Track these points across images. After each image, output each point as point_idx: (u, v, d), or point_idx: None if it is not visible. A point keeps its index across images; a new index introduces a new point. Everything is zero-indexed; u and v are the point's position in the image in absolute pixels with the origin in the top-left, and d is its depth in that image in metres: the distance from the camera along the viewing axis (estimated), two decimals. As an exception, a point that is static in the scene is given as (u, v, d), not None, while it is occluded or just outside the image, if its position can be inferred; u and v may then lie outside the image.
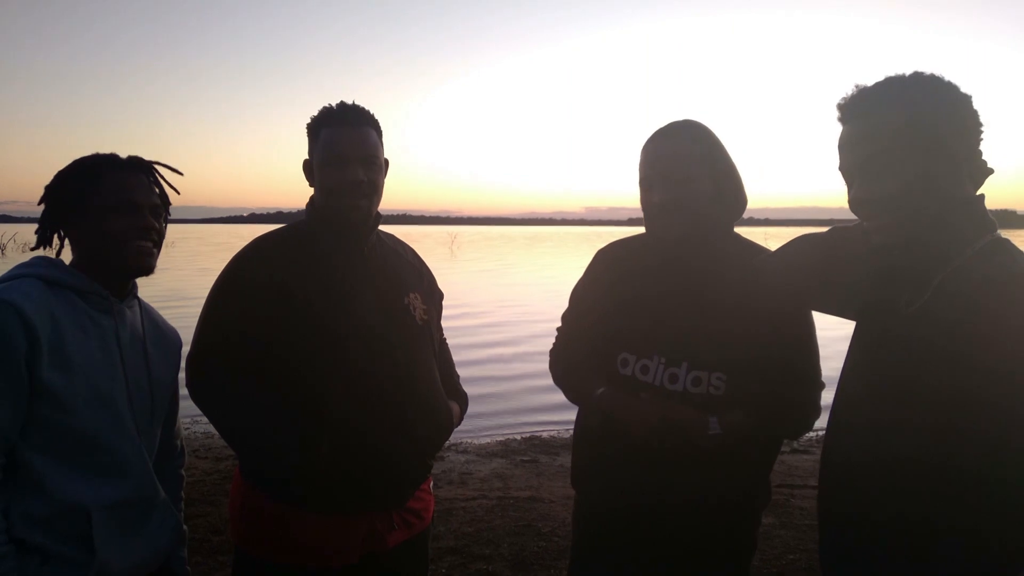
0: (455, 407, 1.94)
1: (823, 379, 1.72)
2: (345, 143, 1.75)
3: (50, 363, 1.42)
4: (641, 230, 1.81)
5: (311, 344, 1.69)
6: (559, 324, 1.94)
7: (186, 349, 1.78)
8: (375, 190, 1.79)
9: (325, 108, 1.79)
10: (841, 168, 1.36)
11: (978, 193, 1.32)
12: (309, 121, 1.81)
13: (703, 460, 1.62)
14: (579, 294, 1.90)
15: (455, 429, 1.94)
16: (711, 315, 1.66)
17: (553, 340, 1.95)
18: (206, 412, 1.76)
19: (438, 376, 1.92)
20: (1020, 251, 1.28)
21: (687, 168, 1.65)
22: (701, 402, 1.64)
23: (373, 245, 1.86)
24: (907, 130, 1.27)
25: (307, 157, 1.83)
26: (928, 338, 1.26)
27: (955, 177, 1.28)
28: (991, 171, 1.31)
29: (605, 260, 1.88)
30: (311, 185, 1.84)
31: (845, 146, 1.34)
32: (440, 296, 2.03)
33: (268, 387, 1.72)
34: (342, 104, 1.79)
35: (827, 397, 1.54)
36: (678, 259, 1.73)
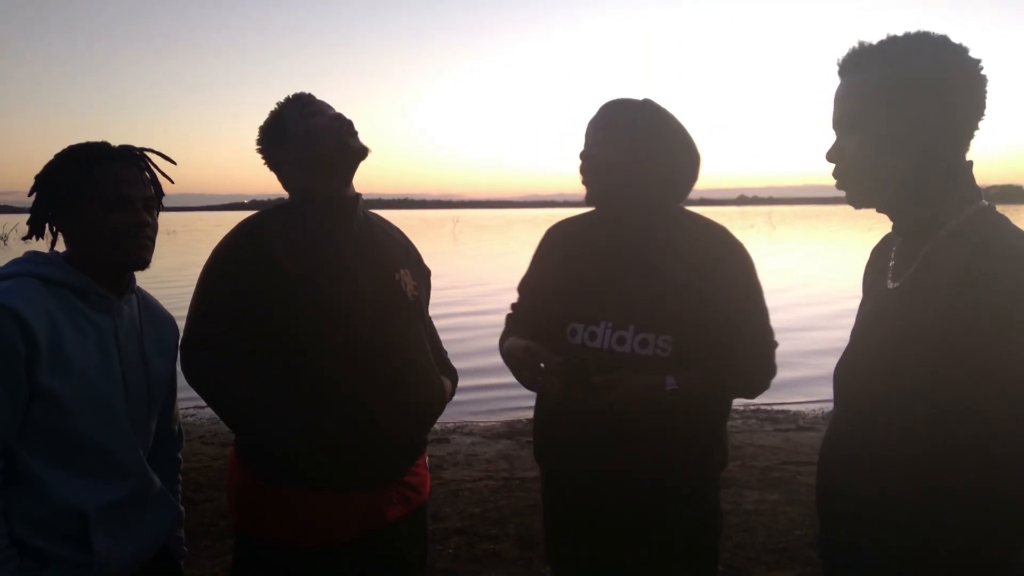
0: (447, 382, 1.98)
1: (775, 338, 1.78)
2: (313, 104, 1.86)
3: (49, 368, 1.42)
4: None
5: (307, 320, 1.70)
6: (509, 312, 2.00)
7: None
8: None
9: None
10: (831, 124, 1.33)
11: (967, 160, 1.25)
12: (264, 126, 1.88)
13: (659, 424, 1.68)
14: (527, 277, 1.96)
15: (451, 406, 1.98)
16: (657, 278, 1.72)
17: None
18: (202, 394, 1.76)
19: (430, 351, 1.95)
20: (1005, 221, 1.21)
21: (611, 131, 1.76)
22: (649, 364, 1.68)
23: (361, 223, 1.88)
24: (880, 90, 1.22)
25: (270, 153, 1.89)
26: (909, 318, 1.20)
27: (933, 142, 1.22)
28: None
29: (552, 238, 1.95)
30: (286, 165, 1.87)
31: (833, 102, 1.31)
32: (428, 273, 2.05)
33: (264, 365, 1.73)
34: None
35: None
36: (624, 226, 1.80)
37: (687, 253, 1.74)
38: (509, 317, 1.99)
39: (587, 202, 1.84)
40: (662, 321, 1.70)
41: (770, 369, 1.77)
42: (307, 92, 1.89)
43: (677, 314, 1.69)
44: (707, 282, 1.70)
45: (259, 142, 1.90)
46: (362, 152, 1.83)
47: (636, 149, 1.74)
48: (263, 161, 1.91)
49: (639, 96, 1.81)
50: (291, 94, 1.89)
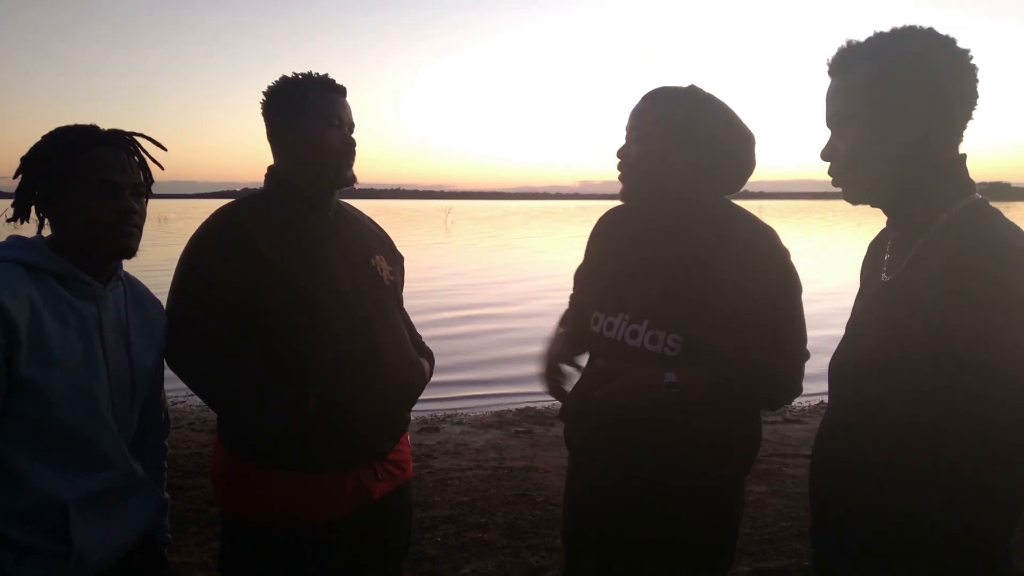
0: (425, 363, 2.02)
1: (806, 350, 1.67)
2: (341, 107, 1.84)
3: (28, 357, 1.38)
4: None
5: (287, 304, 1.72)
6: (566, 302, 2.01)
7: None
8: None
9: (304, 74, 1.83)
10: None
11: (960, 153, 1.26)
12: (284, 85, 1.83)
13: (672, 426, 1.62)
14: (581, 264, 1.96)
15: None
16: (678, 277, 1.67)
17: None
18: (186, 380, 1.76)
19: (407, 334, 1.99)
20: (998, 214, 1.21)
21: (646, 127, 1.69)
22: (656, 361, 1.64)
23: (335, 211, 1.91)
24: (865, 87, 1.24)
25: (275, 122, 1.85)
26: (901, 309, 1.20)
27: (924, 136, 1.23)
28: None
29: (599, 225, 1.95)
30: (281, 147, 1.85)
31: (825, 101, 1.33)
32: (401, 259, 2.09)
33: (246, 351, 1.74)
34: (321, 74, 1.85)
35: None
36: (653, 221, 1.76)
37: (729, 248, 1.64)
38: (569, 307, 2.01)
39: (621, 199, 1.80)
40: (674, 320, 1.64)
41: (790, 385, 1.66)
42: (340, 86, 1.84)
43: (693, 314, 1.62)
44: (748, 279, 1.60)
45: (268, 98, 1.84)
46: (348, 183, 1.87)
47: (671, 144, 1.66)
48: (261, 111, 1.86)
49: (685, 83, 1.73)
50: (323, 74, 1.83)
